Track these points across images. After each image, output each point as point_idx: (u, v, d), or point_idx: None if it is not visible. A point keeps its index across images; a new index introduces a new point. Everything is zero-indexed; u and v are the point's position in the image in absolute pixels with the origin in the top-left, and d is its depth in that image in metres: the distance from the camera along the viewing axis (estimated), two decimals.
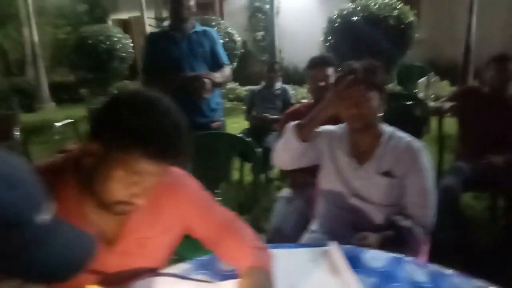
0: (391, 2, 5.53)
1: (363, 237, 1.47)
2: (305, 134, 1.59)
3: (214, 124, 2.55)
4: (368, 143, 1.61)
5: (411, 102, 3.33)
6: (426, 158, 1.61)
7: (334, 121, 1.66)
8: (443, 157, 2.91)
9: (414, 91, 5.61)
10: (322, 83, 2.19)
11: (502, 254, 2.40)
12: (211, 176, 2.08)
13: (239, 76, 9.93)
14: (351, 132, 1.63)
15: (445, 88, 6.13)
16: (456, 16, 6.00)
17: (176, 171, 1.09)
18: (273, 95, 3.83)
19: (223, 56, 2.56)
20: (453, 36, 6.25)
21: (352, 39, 5.47)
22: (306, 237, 1.71)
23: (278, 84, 3.93)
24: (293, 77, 9.70)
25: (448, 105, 2.74)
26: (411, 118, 3.13)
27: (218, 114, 2.60)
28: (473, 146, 2.64)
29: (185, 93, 2.26)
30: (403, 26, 5.32)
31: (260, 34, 10.55)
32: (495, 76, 2.56)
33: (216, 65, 2.51)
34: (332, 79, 2.26)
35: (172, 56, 2.43)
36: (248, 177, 3.81)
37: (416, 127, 3.06)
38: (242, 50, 8.87)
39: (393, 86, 6.18)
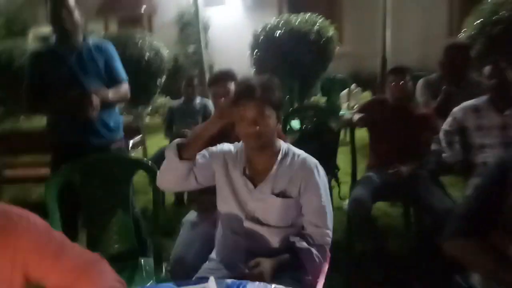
0: (312, 17, 5.68)
1: (256, 263, 1.39)
2: (187, 153, 1.49)
3: (115, 145, 2.36)
4: (264, 162, 1.54)
5: (325, 115, 3.40)
6: (322, 174, 1.57)
7: (236, 138, 1.59)
8: (356, 167, 2.96)
9: (337, 102, 5.80)
10: (223, 99, 2.12)
11: (417, 261, 2.45)
12: (107, 203, 1.91)
13: (169, 90, 9.73)
14: (248, 151, 1.56)
15: (367, 98, 6.40)
16: (375, 30, 6.31)
17: (15, 211, 0.93)
18: (193, 110, 3.72)
19: (121, 72, 2.39)
20: (373, 49, 6.57)
21: (276, 53, 5.54)
22: (203, 267, 1.60)
23: (198, 99, 3.82)
24: None
25: (356, 116, 2.79)
26: (326, 130, 3.17)
27: (117, 134, 2.41)
28: (382, 156, 2.70)
29: (74, 112, 2.08)
30: (323, 40, 5.48)
31: (191, 47, 10.43)
32: (393, 87, 2.66)
33: (113, 81, 2.34)
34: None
35: (57, 73, 2.23)
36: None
37: (331, 138, 3.11)
38: (172, 64, 8.66)
39: (318, 98, 6.34)
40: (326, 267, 1.57)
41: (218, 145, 1.65)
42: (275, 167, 1.52)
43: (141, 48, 6.00)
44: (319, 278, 1.51)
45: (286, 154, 1.55)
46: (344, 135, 3.84)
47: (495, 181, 1.24)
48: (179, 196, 3.54)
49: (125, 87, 2.37)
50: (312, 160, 1.57)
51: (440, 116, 2.69)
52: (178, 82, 9.90)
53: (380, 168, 2.62)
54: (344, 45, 9.56)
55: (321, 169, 1.57)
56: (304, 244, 1.47)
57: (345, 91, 5.79)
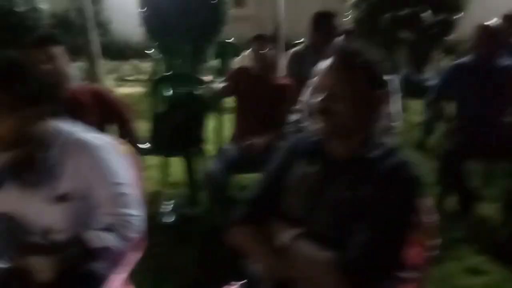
0: None
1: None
2: None
3: None
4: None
5: (196, 85, 3.21)
6: (109, 155, 1.34)
7: None
8: (222, 139, 2.86)
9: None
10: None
11: None
12: None
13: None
14: None
15: None
16: None
17: None
18: None
19: None
20: (273, 14, 6.45)
21: (167, 12, 5.17)
22: None
23: None
24: (124, 52, 9.02)
25: (222, 85, 2.65)
26: (194, 99, 3.00)
27: None
28: (242, 128, 2.62)
29: None
30: (215, 2, 5.22)
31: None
32: (255, 56, 2.56)
33: None
34: (61, 60, 1.92)
35: None
36: None
37: (198, 107, 2.95)
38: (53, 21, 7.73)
39: (214, 63, 6.11)
40: (131, 255, 1.43)
41: None
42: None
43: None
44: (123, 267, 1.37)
45: (59, 136, 1.25)
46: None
47: (278, 165, 1.18)
48: None
49: None
50: (97, 139, 1.30)
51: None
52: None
53: (238, 140, 2.54)
54: (245, 8, 9.32)
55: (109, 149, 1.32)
56: (97, 238, 1.28)
57: (240, 57, 5.63)
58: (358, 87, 1.04)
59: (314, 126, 1.09)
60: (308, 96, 2.57)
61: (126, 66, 7.91)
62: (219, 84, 2.68)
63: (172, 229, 2.56)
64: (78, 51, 7.46)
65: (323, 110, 1.05)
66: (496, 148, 2.53)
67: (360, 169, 1.04)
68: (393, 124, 2.25)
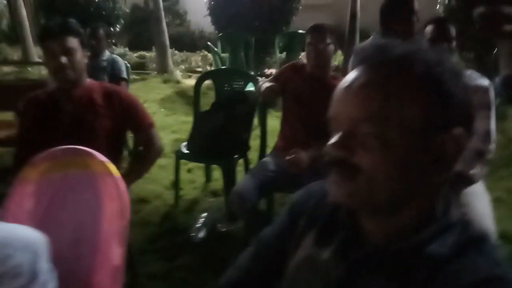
0: None
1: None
2: None
3: None
4: None
5: (244, 80, 2.83)
6: None
7: None
8: (265, 150, 2.45)
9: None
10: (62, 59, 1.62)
11: None
12: None
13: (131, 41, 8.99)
14: None
15: (338, 56, 5.76)
16: None
17: None
18: (99, 68, 3.14)
19: None
20: (350, 2, 5.83)
21: (233, 2, 4.86)
22: None
23: (106, 54, 3.23)
24: (199, 43, 8.95)
25: (266, 85, 2.23)
26: (240, 99, 2.62)
27: None
28: (288, 137, 2.18)
29: None
30: None
31: None
32: (309, 51, 2.10)
33: None
34: (77, 51, 1.69)
35: None
36: None
37: (243, 110, 2.57)
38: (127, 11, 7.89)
39: (281, 57, 5.69)
40: None
41: None
42: None
43: None
44: None
45: None
46: None
47: (276, 235, 0.75)
48: None
49: None
50: None
51: None
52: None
53: (281, 152, 2.11)
54: None
55: None
56: None
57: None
58: (411, 122, 0.55)
59: (328, 188, 0.63)
60: None
61: (196, 57, 7.81)
62: (264, 83, 2.25)
63: (199, 248, 2.23)
64: (151, 41, 7.61)
65: (339, 163, 0.59)
66: None
67: (411, 273, 0.56)
68: (485, 152, 1.65)
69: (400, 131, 0.55)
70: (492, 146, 1.73)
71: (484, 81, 1.75)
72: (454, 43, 1.81)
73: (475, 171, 1.61)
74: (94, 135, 1.70)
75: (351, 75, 0.60)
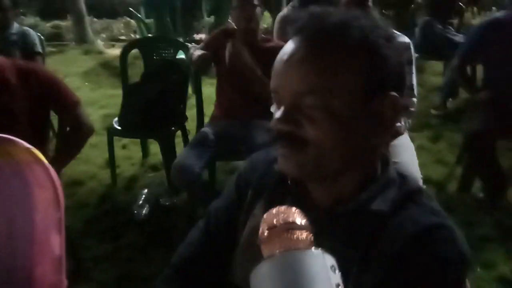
0: None
1: None
2: None
3: None
4: None
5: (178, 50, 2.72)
6: None
7: None
8: (202, 119, 2.41)
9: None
10: None
11: None
12: None
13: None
14: None
15: (267, 19, 5.70)
16: None
17: None
18: (8, 43, 2.82)
19: None
20: None
21: None
22: None
23: (15, 27, 2.90)
24: (120, 8, 8.37)
25: (197, 53, 2.14)
26: (172, 69, 2.52)
27: None
28: (223, 105, 2.17)
29: None
30: None
31: None
32: (237, 13, 2.06)
33: None
34: None
35: None
36: None
37: (177, 79, 2.48)
38: None
39: (209, 21, 5.51)
40: None
41: None
42: None
43: None
44: None
45: None
46: None
47: (225, 205, 0.75)
48: None
49: None
50: None
51: None
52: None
53: (219, 121, 2.09)
54: None
55: None
56: None
57: None
58: (352, 90, 0.56)
59: (277, 161, 0.63)
60: None
61: (118, 25, 7.32)
62: (195, 51, 2.17)
63: (144, 225, 2.18)
64: (64, 8, 6.96)
65: (285, 136, 0.58)
66: None
67: (359, 231, 0.59)
68: (408, 105, 1.77)
69: (343, 100, 0.56)
70: (414, 100, 1.86)
71: (405, 39, 1.86)
72: (370, 2, 1.87)
73: (400, 124, 1.73)
74: (11, 120, 1.54)
75: (289, 47, 0.60)
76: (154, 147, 2.82)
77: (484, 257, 1.87)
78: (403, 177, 0.64)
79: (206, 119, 2.36)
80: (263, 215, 0.67)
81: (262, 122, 2.04)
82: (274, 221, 0.46)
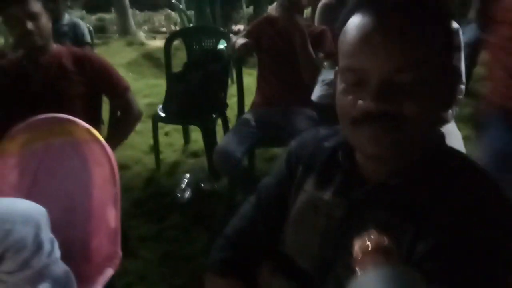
0: None
1: None
2: None
3: None
4: None
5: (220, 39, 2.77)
6: None
7: None
8: (243, 107, 2.45)
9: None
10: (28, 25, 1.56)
11: None
12: None
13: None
14: None
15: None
16: None
17: None
18: (60, 33, 2.97)
19: None
20: None
21: None
22: None
23: (66, 18, 3.06)
24: (161, 1, 8.57)
25: (240, 41, 2.18)
26: (214, 57, 2.58)
27: None
28: (264, 93, 2.19)
29: None
30: None
31: None
32: (280, 3, 2.06)
33: None
34: (42, 16, 1.61)
35: None
36: None
37: (218, 67, 2.54)
38: None
39: (247, 11, 5.55)
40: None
41: None
42: None
43: None
44: None
45: None
46: None
47: (277, 181, 0.78)
48: None
49: None
50: None
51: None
52: None
53: (260, 108, 2.12)
54: None
55: None
56: None
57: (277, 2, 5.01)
58: (442, 60, 0.58)
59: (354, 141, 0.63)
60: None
61: (159, 17, 7.51)
62: (237, 40, 2.21)
63: (186, 208, 2.27)
64: (109, 2, 7.21)
65: (380, 116, 0.56)
66: None
67: (411, 203, 0.59)
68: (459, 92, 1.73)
69: (437, 72, 0.57)
70: (463, 87, 1.81)
71: (454, 24, 1.81)
72: None
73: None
74: (68, 103, 1.65)
75: (368, 23, 0.57)
76: (195, 135, 2.90)
77: None
78: (455, 152, 0.66)
79: (246, 109, 2.41)
80: (313, 190, 0.71)
81: (302, 109, 2.06)
82: (367, 244, 0.49)
